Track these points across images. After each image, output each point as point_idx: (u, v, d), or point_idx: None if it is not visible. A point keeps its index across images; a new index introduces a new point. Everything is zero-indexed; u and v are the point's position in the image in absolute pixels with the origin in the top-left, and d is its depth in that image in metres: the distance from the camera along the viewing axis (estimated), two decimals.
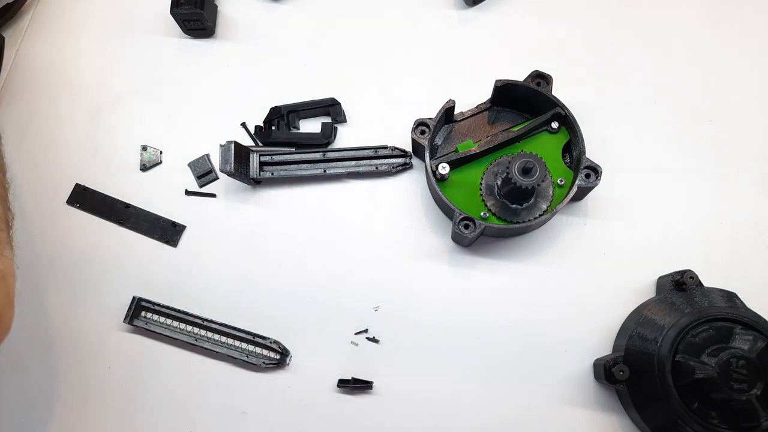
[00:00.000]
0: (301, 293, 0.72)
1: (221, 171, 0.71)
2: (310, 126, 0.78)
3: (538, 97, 0.70)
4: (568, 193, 0.67)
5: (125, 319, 0.71)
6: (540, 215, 0.68)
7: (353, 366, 0.70)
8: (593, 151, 0.70)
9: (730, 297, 0.64)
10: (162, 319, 0.72)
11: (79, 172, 0.78)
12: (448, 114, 0.71)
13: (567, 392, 0.68)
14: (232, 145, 0.70)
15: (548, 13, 0.80)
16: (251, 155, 0.74)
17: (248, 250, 0.74)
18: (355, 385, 0.68)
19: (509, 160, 0.63)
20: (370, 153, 0.74)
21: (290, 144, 0.76)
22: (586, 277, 0.71)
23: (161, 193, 0.77)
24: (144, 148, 0.78)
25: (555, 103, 0.69)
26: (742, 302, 0.64)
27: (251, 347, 0.70)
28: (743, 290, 0.65)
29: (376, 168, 0.74)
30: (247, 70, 0.81)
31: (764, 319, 0.59)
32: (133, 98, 0.81)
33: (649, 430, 0.63)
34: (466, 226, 0.66)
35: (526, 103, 0.72)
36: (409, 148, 0.74)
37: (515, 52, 0.79)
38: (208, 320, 0.71)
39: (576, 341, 0.69)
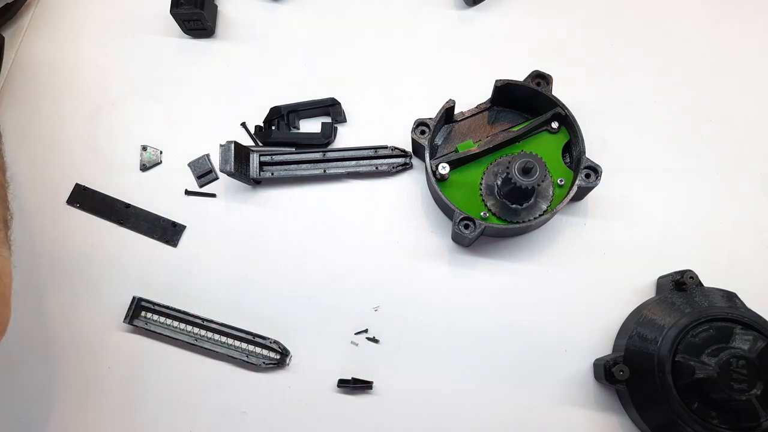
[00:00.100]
0: (301, 293, 0.72)
1: (221, 171, 0.71)
2: (310, 126, 0.78)
3: (538, 97, 0.70)
4: (568, 193, 0.67)
5: (125, 319, 0.71)
6: (540, 215, 0.68)
7: (353, 366, 0.70)
8: (593, 151, 0.70)
9: (730, 297, 0.64)
10: (162, 319, 0.72)
11: (79, 172, 0.78)
12: (448, 114, 0.71)
13: (567, 392, 0.68)
14: (232, 145, 0.70)
15: (548, 13, 0.80)
16: (251, 155, 0.74)
17: (248, 250, 0.74)
18: (355, 385, 0.68)
19: (509, 160, 0.63)
20: (370, 153, 0.74)
21: (290, 144, 0.76)
22: (586, 277, 0.71)
23: (161, 193, 0.77)
24: (144, 148, 0.78)
25: (555, 103, 0.69)
26: (742, 302, 0.64)
27: (251, 347, 0.70)
28: (743, 290, 0.65)
29: (376, 168, 0.74)
30: (247, 70, 0.81)
31: (764, 319, 0.59)
32: (133, 98, 0.81)
33: (649, 430, 0.63)
34: (466, 226, 0.66)
35: (526, 103, 0.72)
36: (409, 148, 0.74)
37: (515, 52, 0.79)
38: (208, 320, 0.71)
39: (576, 341, 0.69)
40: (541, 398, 0.68)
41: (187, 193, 0.77)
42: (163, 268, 0.74)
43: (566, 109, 0.69)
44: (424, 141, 0.70)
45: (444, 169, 0.69)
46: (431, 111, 0.70)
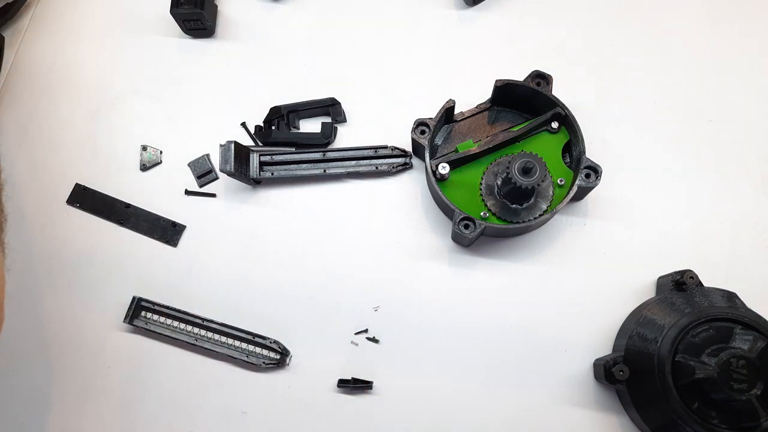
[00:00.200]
0: (301, 293, 0.72)
1: (221, 171, 0.71)
2: (310, 126, 0.78)
3: (538, 97, 0.70)
4: (568, 193, 0.67)
5: (125, 319, 0.71)
6: (540, 215, 0.68)
7: (353, 366, 0.70)
8: (593, 151, 0.70)
9: (730, 297, 0.64)
10: (162, 319, 0.72)
11: (79, 172, 0.78)
12: (448, 114, 0.71)
13: (567, 392, 0.68)
14: (232, 145, 0.70)
15: (548, 13, 0.80)
16: (251, 155, 0.74)
17: (248, 250, 0.74)
18: (355, 385, 0.68)
19: (509, 160, 0.63)
20: (370, 153, 0.74)
21: (290, 144, 0.76)
22: (586, 277, 0.71)
23: (161, 193, 0.77)
24: (144, 148, 0.78)
25: (555, 103, 0.69)
26: (742, 302, 0.64)
27: (251, 347, 0.70)
28: (743, 290, 0.65)
29: (376, 168, 0.74)
30: (247, 70, 0.81)
31: (764, 319, 0.59)
32: (133, 98, 0.81)
33: (649, 430, 0.63)
34: (466, 226, 0.66)
35: (526, 103, 0.72)
36: (409, 148, 0.74)
37: (515, 52, 0.79)
38: (208, 320, 0.71)
39: (576, 341, 0.69)
40: (541, 398, 0.68)
41: (187, 193, 0.77)
42: (163, 268, 0.74)
43: (566, 109, 0.69)
44: (424, 141, 0.70)
45: (444, 169, 0.69)
46: (431, 111, 0.70)
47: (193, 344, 0.71)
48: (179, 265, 0.74)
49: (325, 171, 0.74)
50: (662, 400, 0.58)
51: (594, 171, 0.67)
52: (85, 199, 0.77)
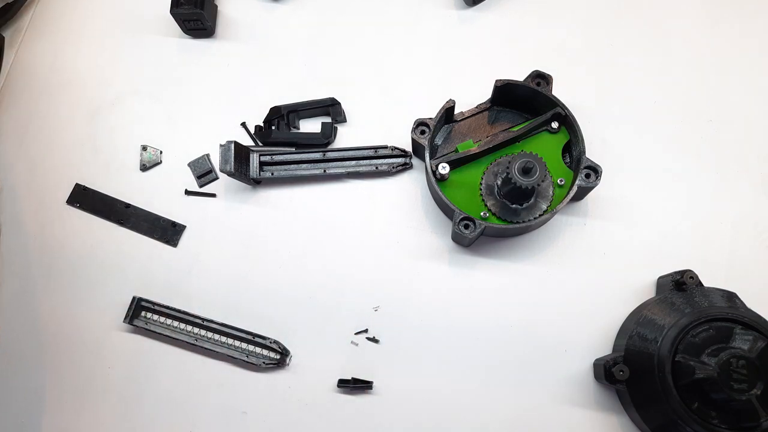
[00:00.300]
0: (301, 293, 0.72)
1: (221, 171, 0.71)
2: (310, 126, 0.78)
3: (538, 97, 0.70)
4: (568, 193, 0.67)
5: (125, 319, 0.71)
6: (540, 215, 0.68)
7: (353, 366, 0.70)
8: (593, 151, 0.70)
9: (730, 297, 0.64)
10: (162, 319, 0.72)
11: (79, 172, 0.78)
12: (448, 114, 0.71)
13: (567, 392, 0.68)
14: (232, 145, 0.70)
15: (548, 13, 0.80)
16: (251, 155, 0.74)
17: (248, 250, 0.74)
18: (355, 385, 0.68)
19: (509, 160, 0.63)
20: (370, 153, 0.74)
21: (290, 144, 0.76)
22: (586, 278, 0.71)
23: (161, 193, 0.77)
24: (144, 148, 0.78)
25: (555, 103, 0.69)
26: (742, 302, 0.64)
27: (251, 347, 0.70)
28: (743, 290, 0.65)
29: (376, 168, 0.74)
30: (247, 70, 0.81)
31: (764, 319, 0.59)
32: (133, 98, 0.81)
33: (649, 430, 0.63)
34: (466, 226, 0.66)
35: (526, 103, 0.72)
36: (409, 148, 0.74)
37: (515, 52, 0.79)
38: (208, 320, 0.71)
39: (576, 341, 0.69)
40: (541, 398, 0.68)
41: (187, 193, 0.77)
42: (163, 268, 0.74)
43: (566, 109, 0.69)
44: (424, 141, 0.70)
45: (444, 169, 0.69)
46: (431, 111, 0.70)
47: (193, 344, 0.71)
48: (179, 265, 0.74)
49: (325, 171, 0.74)
50: (662, 400, 0.58)
51: (594, 171, 0.67)
52: (85, 199, 0.77)
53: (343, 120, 0.78)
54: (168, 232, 0.75)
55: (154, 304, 0.72)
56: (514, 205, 0.68)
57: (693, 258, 0.70)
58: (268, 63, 0.81)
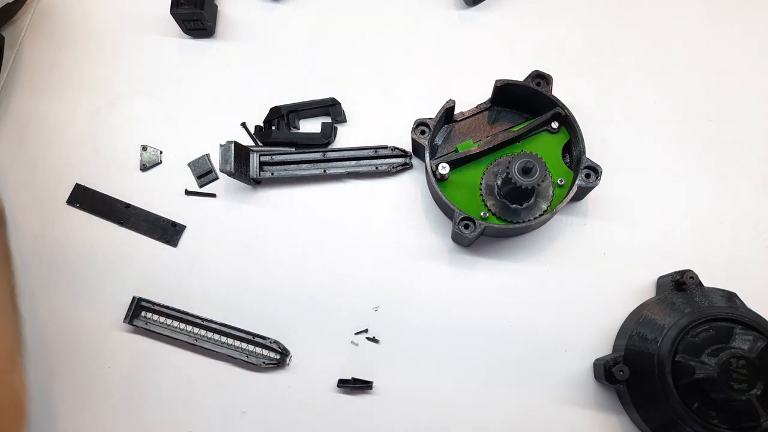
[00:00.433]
0: (301, 293, 0.72)
1: (221, 171, 0.71)
2: (310, 126, 0.78)
3: (538, 97, 0.70)
4: (568, 193, 0.67)
5: (125, 319, 0.71)
6: (540, 215, 0.68)
7: (353, 366, 0.70)
8: (593, 151, 0.70)
9: (730, 297, 0.64)
10: (162, 319, 0.72)
11: (79, 172, 0.78)
12: (448, 114, 0.71)
13: (567, 392, 0.68)
14: (232, 145, 0.70)
15: (548, 13, 0.80)
16: (251, 155, 0.74)
17: (248, 250, 0.74)
18: (355, 385, 0.68)
19: (509, 160, 0.63)
20: (370, 153, 0.74)
21: (290, 144, 0.76)
22: (586, 278, 0.71)
23: (161, 193, 0.77)
24: (144, 148, 0.78)
25: (555, 103, 0.69)
26: (742, 302, 0.64)
27: (251, 347, 0.70)
28: (743, 290, 0.65)
29: (376, 168, 0.74)
30: (247, 70, 0.81)
31: (764, 319, 0.59)
32: (133, 98, 0.81)
33: (649, 430, 0.63)
34: (466, 226, 0.66)
35: (526, 103, 0.72)
36: (409, 148, 0.74)
37: (515, 52, 0.79)
38: (208, 320, 0.71)
39: (576, 341, 0.69)
40: (541, 398, 0.68)
41: (187, 193, 0.77)
42: (163, 268, 0.74)
43: (566, 109, 0.69)
44: (424, 141, 0.70)
45: (444, 169, 0.69)
46: (431, 111, 0.70)
47: (193, 344, 0.71)
48: (179, 265, 0.74)
49: (325, 171, 0.74)
50: (662, 400, 0.58)
51: (594, 171, 0.67)
52: (85, 199, 0.77)
53: (343, 120, 0.78)
54: (168, 232, 0.75)
55: (154, 304, 0.72)
56: (514, 205, 0.68)
57: (693, 258, 0.70)
58: (268, 63, 0.81)
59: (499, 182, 0.67)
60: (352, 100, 0.78)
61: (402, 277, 0.72)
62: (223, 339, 0.71)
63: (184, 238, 0.75)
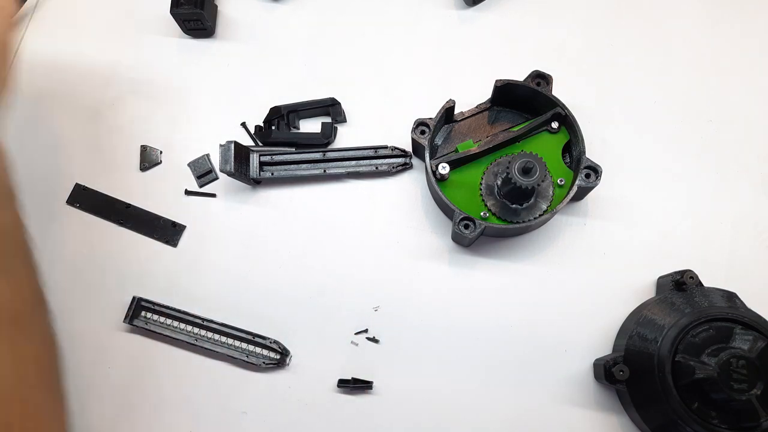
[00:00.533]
0: (301, 293, 0.72)
1: (221, 171, 0.71)
2: (310, 126, 0.78)
3: (538, 97, 0.70)
4: (568, 193, 0.67)
5: (125, 319, 0.71)
6: (540, 215, 0.68)
7: (353, 366, 0.70)
8: (593, 151, 0.70)
9: (730, 297, 0.64)
10: (162, 319, 0.72)
11: (79, 172, 0.78)
12: (448, 114, 0.71)
13: (567, 392, 0.68)
14: (232, 145, 0.70)
15: (548, 13, 0.80)
16: (251, 155, 0.74)
17: (248, 250, 0.74)
18: (355, 385, 0.68)
19: (509, 160, 0.63)
20: (370, 153, 0.74)
21: (290, 144, 0.76)
22: (586, 277, 0.71)
23: (161, 193, 0.77)
24: (144, 148, 0.78)
25: (555, 103, 0.69)
26: (742, 302, 0.64)
27: (251, 347, 0.70)
28: (743, 290, 0.65)
29: (376, 168, 0.74)
30: (247, 70, 0.81)
31: (764, 319, 0.59)
32: (133, 98, 0.81)
33: (649, 430, 0.63)
34: (466, 226, 0.66)
35: (526, 103, 0.72)
36: (409, 148, 0.74)
37: (515, 52, 0.79)
38: (208, 320, 0.71)
39: (576, 341, 0.69)
40: (541, 398, 0.68)
41: (187, 193, 0.77)
42: (163, 268, 0.74)
43: (566, 109, 0.69)
44: (424, 141, 0.70)
45: (444, 169, 0.69)
46: (431, 111, 0.70)
47: (193, 344, 0.71)
48: (179, 265, 0.74)
49: (325, 171, 0.74)
50: (662, 400, 0.58)
51: (594, 171, 0.67)
52: (85, 199, 0.77)
53: (343, 120, 0.78)
54: (168, 232, 0.75)
55: (154, 304, 0.72)
56: (514, 205, 0.68)
57: (693, 258, 0.70)
58: (268, 63, 0.81)
59: (499, 182, 0.67)
60: (352, 100, 0.78)
61: (402, 277, 0.72)
62: (223, 339, 0.71)
63: (184, 238, 0.75)
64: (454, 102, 0.70)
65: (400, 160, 0.74)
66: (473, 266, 0.72)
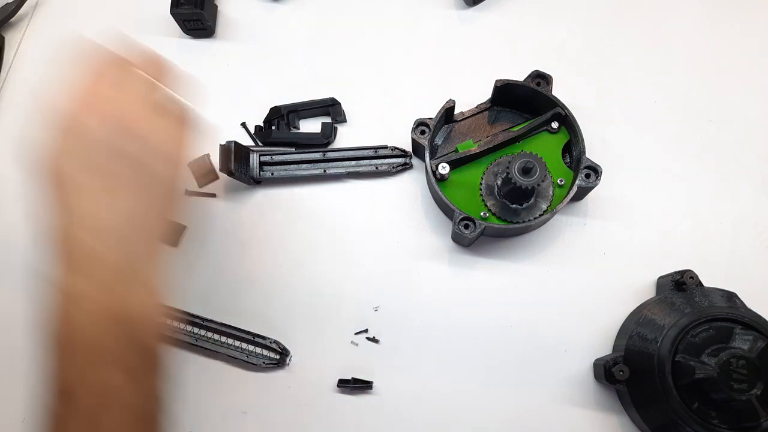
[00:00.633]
0: (301, 293, 0.72)
1: (221, 171, 0.71)
2: (310, 126, 0.78)
3: (538, 97, 0.70)
4: (568, 193, 0.67)
5: None
6: (540, 215, 0.68)
7: (353, 366, 0.70)
8: (593, 151, 0.70)
9: (730, 297, 0.64)
10: (161, 318, 0.72)
11: None
12: (448, 114, 0.71)
13: (567, 392, 0.68)
14: (232, 145, 0.70)
15: (548, 13, 0.80)
16: (251, 155, 0.74)
17: (248, 250, 0.74)
18: (355, 385, 0.68)
19: (509, 160, 0.63)
20: (370, 153, 0.74)
21: (290, 144, 0.76)
22: (586, 278, 0.71)
23: None
24: None
25: (555, 103, 0.69)
26: (742, 302, 0.64)
27: (251, 347, 0.70)
28: (743, 290, 0.65)
29: (376, 168, 0.74)
30: (247, 70, 0.81)
31: (764, 319, 0.59)
32: None
33: (649, 430, 0.63)
34: (466, 226, 0.66)
35: (526, 103, 0.72)
36: (409, 148, 0.74)
37: (515, 52, 0.79)
38: (208, 320, 0.71)
39: (576, 341, 0.69)
40: (541, 398, 0.68)
41: (187, 193, 0.77)
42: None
43: (566, 109, 0.69)
44: (424, 141, 0.70)
45: (444, 169, 0.69)
46: (431, 111, 0.70)
47: (193, 344, 0.70)
48: (179, 265, 0.74)
49: (325, 171, 0.74)
50: (662, 400, 0.58)
51: (594, 171, 0.67)
52: None
53: (343, 120, 0.78)
54: (168, 231, 0.75)
55: None
56: (514, 205, 0.68)
57: (693, 258, 0.70)
58: (268, 63, 0.81)
59: (499, 182, 0.67)
60: (352, 100, 0.78)
61: (402, 277, 0.72)
62: (223, 339, 0.71)
63: (184, 238, 0.75)
64: (454, 102, 0.70)
65: (400, 160, 0.74)
66: (473, 266, 0.72)
